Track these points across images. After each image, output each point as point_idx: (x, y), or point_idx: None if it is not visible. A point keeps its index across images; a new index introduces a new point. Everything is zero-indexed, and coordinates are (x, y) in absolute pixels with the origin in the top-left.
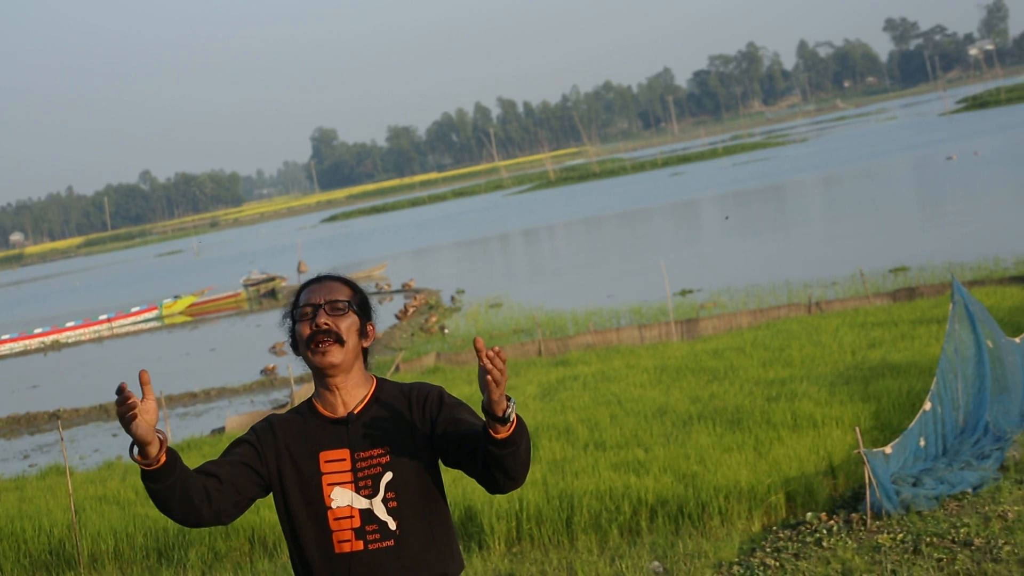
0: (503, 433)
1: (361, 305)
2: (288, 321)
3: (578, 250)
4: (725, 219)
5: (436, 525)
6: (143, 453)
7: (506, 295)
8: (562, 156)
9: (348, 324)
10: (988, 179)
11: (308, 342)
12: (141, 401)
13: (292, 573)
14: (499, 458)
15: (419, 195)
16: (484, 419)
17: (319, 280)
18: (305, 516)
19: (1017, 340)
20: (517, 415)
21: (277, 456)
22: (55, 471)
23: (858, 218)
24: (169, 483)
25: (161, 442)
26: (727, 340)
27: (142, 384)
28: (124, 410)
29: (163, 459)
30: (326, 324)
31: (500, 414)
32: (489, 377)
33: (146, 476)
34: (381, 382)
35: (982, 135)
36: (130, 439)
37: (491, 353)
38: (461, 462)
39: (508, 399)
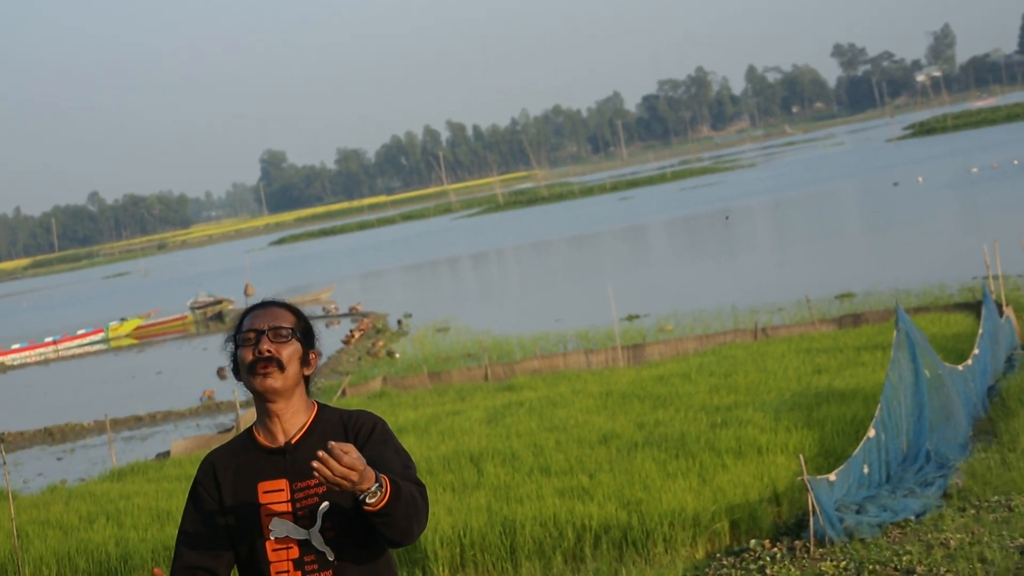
0: (369, 508)
1: (304, 332)
2: (231, 346)
3: (526, 274)
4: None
5: (374, 552)
6: None
7: (454, 319)
8: (511, 180)
9: (290, 352)
10: (933, 206)
11: (250, 367)
12: None
13: None
14: (374, 524)
15: (368, 218)
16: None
17: (263, 306)
18: (246, 548)
19: (960, 368)
20: (394, 487)
21: (221, 497)
22: None
23: (805, 244)
24: None
25: None
26: (673, 366)
27: None
28: None
29: None
30: (268, 351)
31: (361, 499)
32: (319, 477)
33: None
34: (322, 409)
35: (928, 161)
36: None
37: (323, 452)
38: None
39: (378, 477)
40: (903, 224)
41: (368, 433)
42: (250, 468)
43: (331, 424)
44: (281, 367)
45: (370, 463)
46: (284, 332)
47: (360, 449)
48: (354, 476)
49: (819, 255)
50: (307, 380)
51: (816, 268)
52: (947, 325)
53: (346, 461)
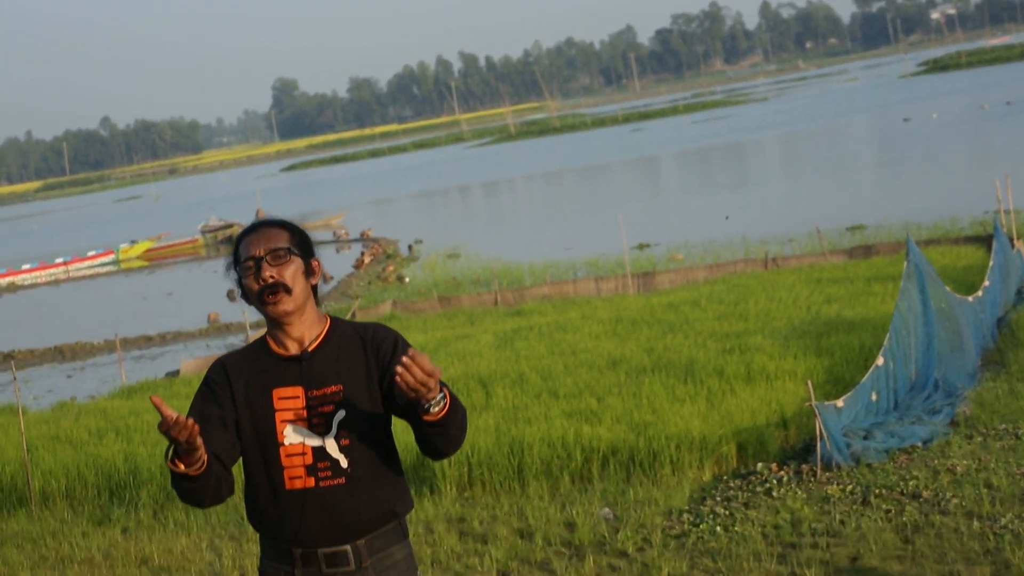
0: (431, 417)
1: (302, 246)
2: (233, 272)
3: (537, 203)
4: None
5: (387, 464)
6: (186, 460)
7: (464, 246)
8: (523, 110)
9: (293, 271)
10: (945, 141)
11: (258, 296)
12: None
13: (241, 514)
14: (428, 435)
15: (379, 146)
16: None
17: (255, 229)
18: (257, 453)
19: (970, 299)
20: (452, 397)
21: (233, 396)
22: (8, 410)
23: (816, 177)
24: (209, 478)
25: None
26: (683, 293)
27: (158, 407)
28: (183, 437)
29: (206, 458)
30: (271, 277)
31: (426, 408)
32: (399, 382)
33: (185, 478)
34: (335, 321)
35: (941, 97)
36: (169, 445)
37: (407, 358)
38: (404, 418)
39: (442, 387)
40: (915, 158)
41: (391, 349)
42: (265, 374)
43: (346, 335)
44: (288, 290)
45: None
46: (281, 253)
47: (387, 364)
48: (432, 383)
49: (830, 188)
50: (315, 289)
51: (827, 200)
52: (958, 257)
53: (428, 367)
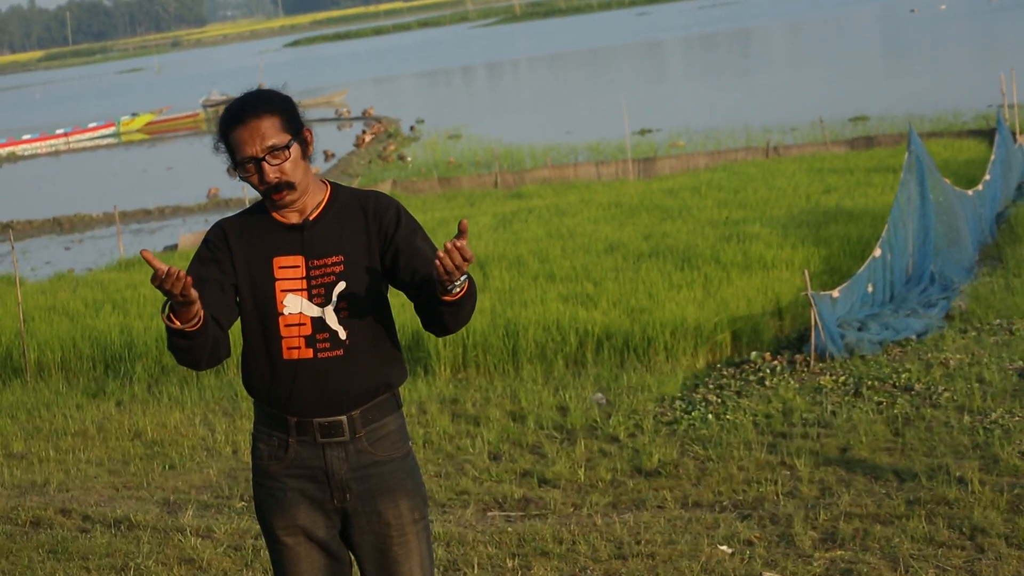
0: (450, 297)
1: (292, 124)
2: (224, 155)
3: (540, 86)
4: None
5: (384, 337)
6: (182, 316)
7: (465, 127)
8: None
9: (293, 162)
10: (951, 33)
11: (264, 195)
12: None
13: (236, 389)
14: (441, 313)
15: (384, 23)
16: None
17: (242, 119)
18: (256, 320)
19: (969, 193)
20: (470, 279)
21: (232, 261)
22: (5, 281)
23: (821, 66)
24: (205, 337)
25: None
26: (683, 180)
27: (149, 262)
28: (177, 290)
29: (203, 314)
30: (276, 177)
31: (448, 288)
32: (439, 265)
33: (181, 335)
34: (335, 188)
35: None
36: (165, 301)
37: (454, 245)
38: (407, 292)
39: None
40: (920, 50)
41: (394, 221)
42: (265, 242)
43: (347, 203)
44: (293, 187)
45: (408, 256)
46: (279, 148)
47: (391, 238)
48: (466, 267)
49: (834, 77)
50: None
51: (831, 90)
52: (959, 151)
53: (469, 253)
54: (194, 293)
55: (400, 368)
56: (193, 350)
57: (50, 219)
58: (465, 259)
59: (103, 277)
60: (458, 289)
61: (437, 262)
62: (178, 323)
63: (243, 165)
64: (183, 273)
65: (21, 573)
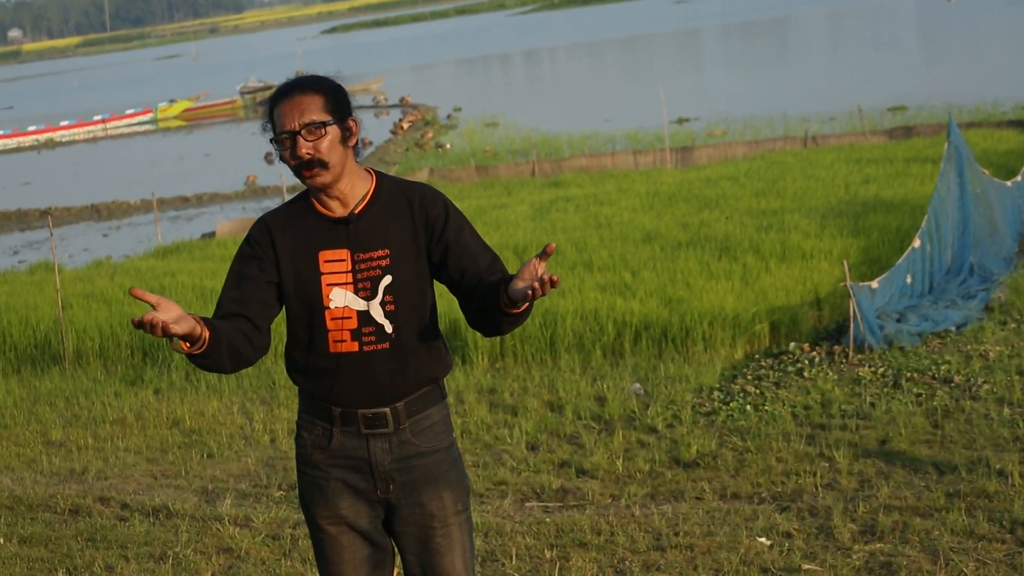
0: (515, 310)
1: (337, 108)
2: (269, 134)
3: (577, 74)
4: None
5: (429, 329)
6: (187, 339)
7: (503, 115)
8: None
9: (329, 142)
10: (989, 22)
11: (295, 171)
12: (156, 308)
13: (274, 378)
14: (501, 321)
15: (421, 11)
16: (501, 284)
17: (287, 94)
18: (302, 315)
19: (1008, 184)
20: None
21: (277, 257)
22: (44, 267)
23: (859, 55)
24: (218, 353)
25: (198, 321)
26: (721, 169)
27: (141, 298)
28: (160, 333)
29: (207, 335)
30: (308, 153)
31: (519, 309)
32: (529, 293)
33: (196, 357)
34: (380, 178)
35: None
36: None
37: (549, 279)
38: (454, 290)
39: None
40: (959, 40)
41: (443, 218)
42: (310, 235)
43: (393, 195)
44: (325, 165)
45: (457, 254)
46: (317, 125)
47: (439, 235)
48: (544, 295)
49: (873, 66)
50: (355, 149)
51: (870, 79)
52: (999, 141)
53: (557, 282)
54: (180, 328)
55: (445, 361)
56: (209, 365)
57: (88, 206)
58: (553, 286)
59: (141, 264)
60: (522, 305)
61: (529, 292)
62: (186, 347)
63: (280, 139)
64: (159, 320)
65: (60, 561)
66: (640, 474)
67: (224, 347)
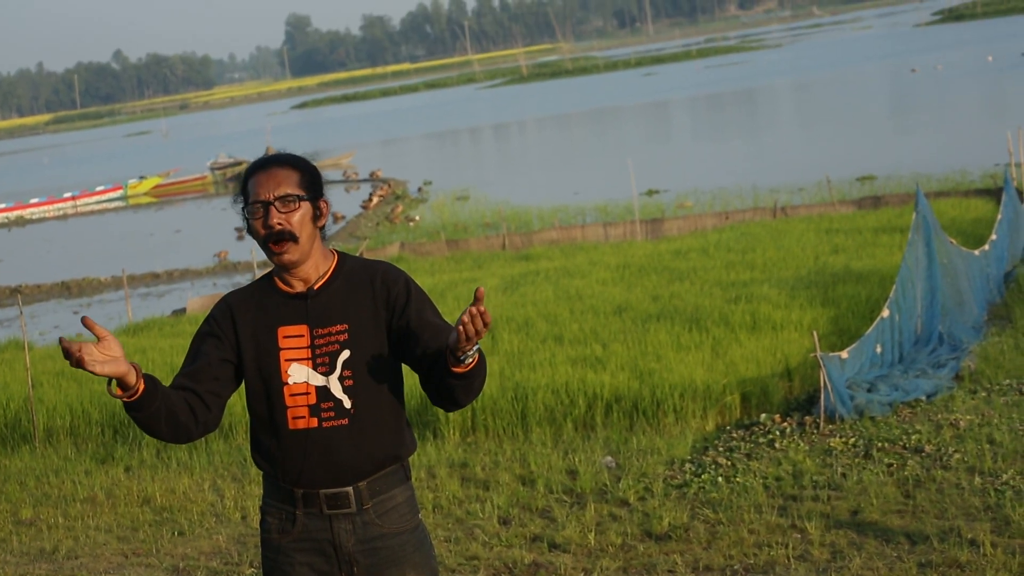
0: (461, 369)
1: (311, 186)
2: (240, 207)
3: (547, 146)
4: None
5: (390, 406)
6: (121, 386)
7: (473, 188)
8: (536, 52)
9: (300, 217)
10: (953, 92)
11: (263, 243)
12: (97, 342)
13: (244, 455)
14: (452, 387)
15: (391, 85)
16: (445, 347)
17: (265, 167)
18: (261, 392)
19: (976, 253)
20: (480, 352)
21: (237, 335)
22: (14, 346)
23: (827, 125)
24: (153, 409)
25: (136, 371)
26: (691, 241)
27: (90, 328)
28: (75, 363)
29: (142, 387)
30: (279, 224)
31: (461, 359)
32: (462, 331)
33: (129, 407)
34: (342, 257)
35: (953, 48)
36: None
37: (478, 311)
38: (416, 367)
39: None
40: (927, 109)
41: (404, 294)
42: (270, 312)
43: (354, 273)
44: (295, 239)
45: (417, 331)
46: (291, 199)
47: (401, 312)
48: (484, 333)
49: (841, 137)
50: (322, 230)
51: (838, 150)
52: (967, 210)
53: (488, 319)
54: (105, 368)
55: (408, 439)
56: (144, 421)
57: (58, 283)
58: (485, 324)
59: None
60: (470, 360)
61: (460, 328)
62: (119, 392)
63: (252, 206)
64: (77, 352)
65: None
66: (612, 547)
67: (161, 408)
